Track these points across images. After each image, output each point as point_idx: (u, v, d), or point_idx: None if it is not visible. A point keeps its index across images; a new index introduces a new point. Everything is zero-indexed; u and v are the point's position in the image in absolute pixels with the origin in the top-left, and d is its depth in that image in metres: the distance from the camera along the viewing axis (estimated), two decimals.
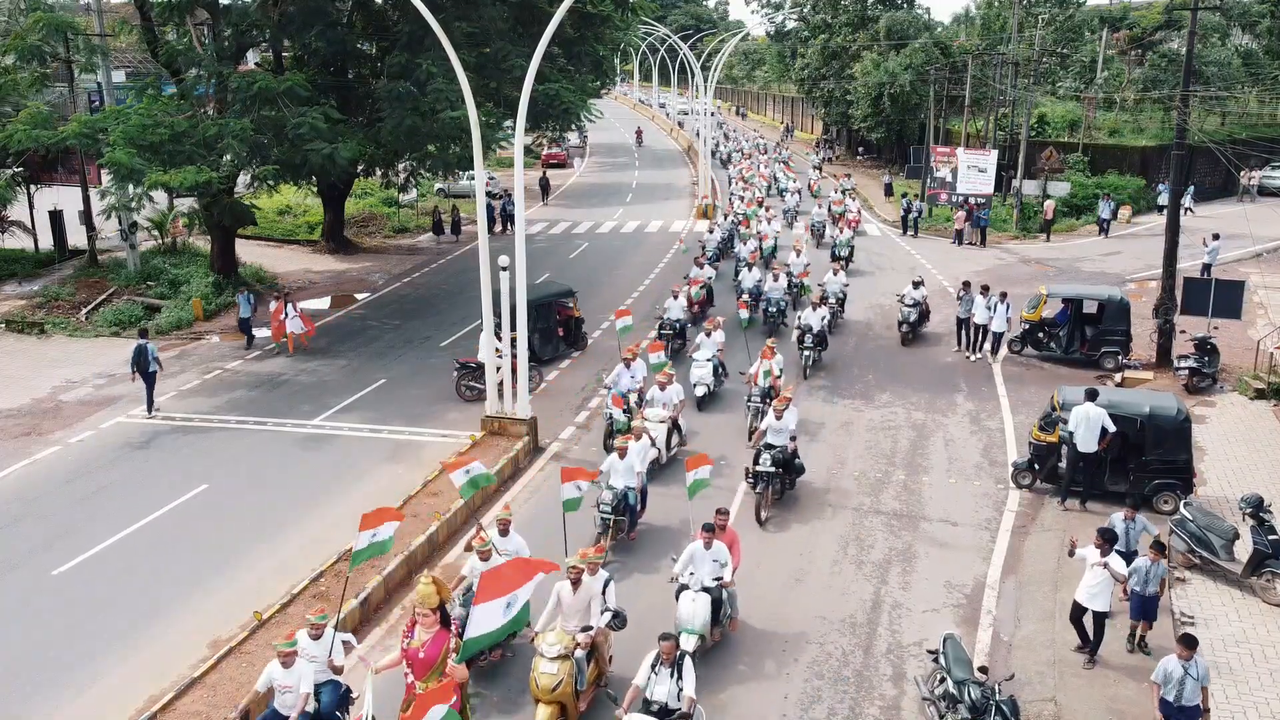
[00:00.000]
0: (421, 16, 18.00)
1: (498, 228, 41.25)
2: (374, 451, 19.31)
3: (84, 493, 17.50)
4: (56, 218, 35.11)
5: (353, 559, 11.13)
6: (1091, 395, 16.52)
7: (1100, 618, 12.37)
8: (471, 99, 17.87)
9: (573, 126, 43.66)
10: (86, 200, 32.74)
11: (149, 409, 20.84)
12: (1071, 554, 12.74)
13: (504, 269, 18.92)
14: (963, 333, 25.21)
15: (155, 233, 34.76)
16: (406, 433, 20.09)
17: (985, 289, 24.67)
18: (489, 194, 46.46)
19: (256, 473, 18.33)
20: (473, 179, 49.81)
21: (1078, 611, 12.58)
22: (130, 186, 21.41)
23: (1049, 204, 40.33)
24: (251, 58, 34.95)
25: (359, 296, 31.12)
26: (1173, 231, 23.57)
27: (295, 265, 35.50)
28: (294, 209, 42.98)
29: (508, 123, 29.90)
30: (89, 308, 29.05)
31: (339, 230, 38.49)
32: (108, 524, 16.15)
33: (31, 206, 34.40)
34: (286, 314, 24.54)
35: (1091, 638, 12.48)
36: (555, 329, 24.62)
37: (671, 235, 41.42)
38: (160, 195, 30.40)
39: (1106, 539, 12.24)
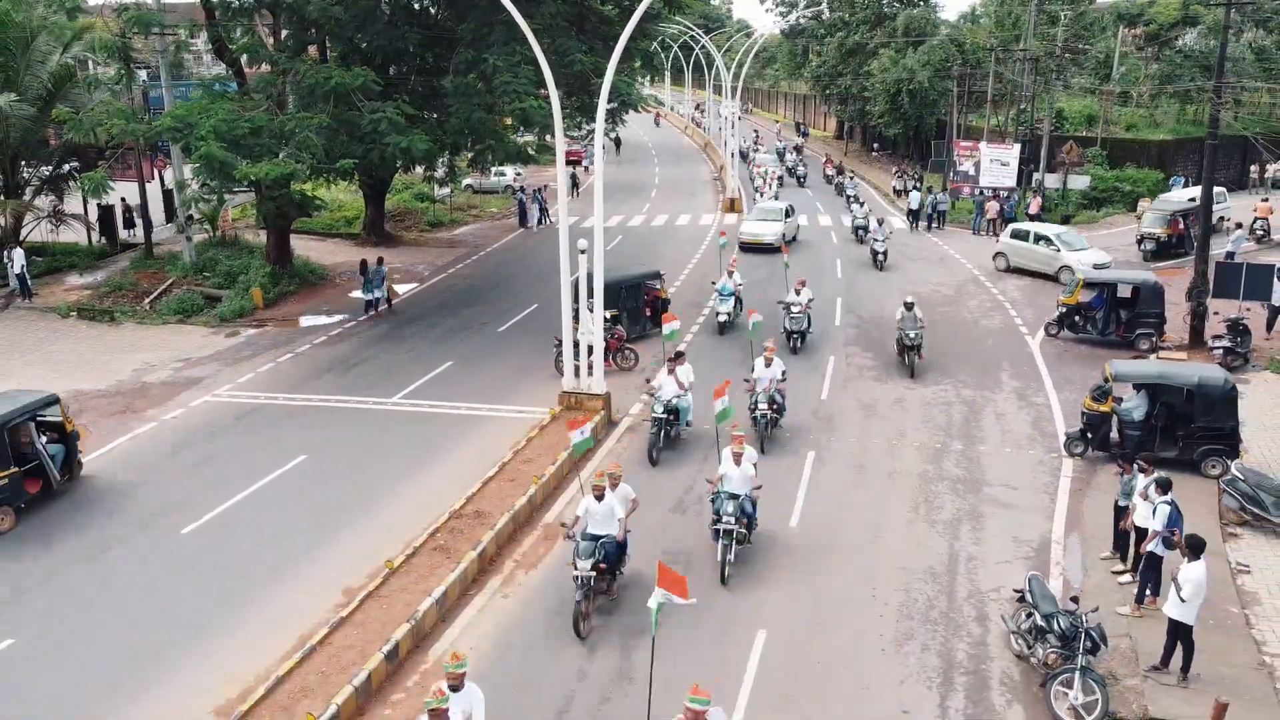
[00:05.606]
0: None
1: (531, 223, 42.34)
2: (457, 425, 20.37)
3: (191, 463, 18.58)
4: (107, 211, 36.23)
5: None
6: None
7: (1186, 630, 11.84)
8: (554, 87, 19.02)
9: (622, 119, 44.60)
10: (143, 193, 33.81)
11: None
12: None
13: (582, 252, 19.99)
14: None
15: (206, 226, 35.80)
16: (484, 409, 21.14)
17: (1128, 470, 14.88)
18: (515, 189, 47.68)
19: (351, 444, 19.38)
20: (502, 175, 51.48)
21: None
22: (217, 180, 22.44)
23: (1034, 201, 40.44)
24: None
25: (398, 289, 31.89)
26: (1205, 219, 24.63)
27: (342, 258, 36.48)
28: (328, 204, 43.90)
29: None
30: (151, 297, 30.09)
31: (380, 224, 39.54)
32: (221, 490, 17.24)
33: (85, 200, 35.42)
34: None
35: (1183, 653, 11.94)
36: (642, 309, 25.72)
37: (702, 229, 42.44)
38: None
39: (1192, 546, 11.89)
